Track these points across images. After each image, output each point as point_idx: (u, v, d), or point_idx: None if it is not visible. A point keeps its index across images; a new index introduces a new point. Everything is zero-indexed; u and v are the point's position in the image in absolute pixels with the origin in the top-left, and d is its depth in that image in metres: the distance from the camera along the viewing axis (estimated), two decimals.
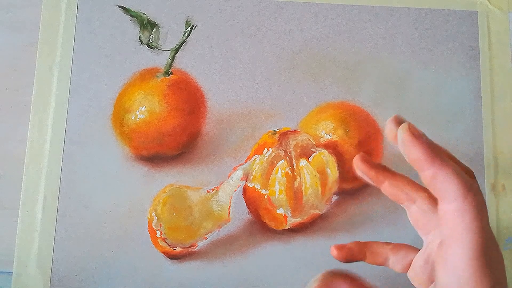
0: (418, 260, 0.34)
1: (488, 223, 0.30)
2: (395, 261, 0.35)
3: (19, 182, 0.47)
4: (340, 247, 0.36)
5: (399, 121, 0.32)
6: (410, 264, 0.34)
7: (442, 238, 0.30)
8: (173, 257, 0.46)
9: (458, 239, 0.29)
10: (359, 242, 0.36)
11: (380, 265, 0.36)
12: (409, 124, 0.31)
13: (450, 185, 0.29)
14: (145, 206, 0.47)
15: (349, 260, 0.36)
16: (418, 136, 0.30)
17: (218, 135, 0.49)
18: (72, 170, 0.48)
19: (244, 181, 0.46)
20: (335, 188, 0.47)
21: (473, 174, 0.33)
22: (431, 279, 0.33)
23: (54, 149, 0.48)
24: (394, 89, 0.51)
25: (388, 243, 0.36)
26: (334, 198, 0.49)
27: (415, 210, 0.34)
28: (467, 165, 0.35)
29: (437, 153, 0.30)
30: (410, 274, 0.34)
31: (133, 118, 0.48)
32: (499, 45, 0.53)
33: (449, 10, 0.53)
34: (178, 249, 0.45)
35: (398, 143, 0.31)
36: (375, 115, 0.50)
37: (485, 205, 0.30)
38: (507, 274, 0.48)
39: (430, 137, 0.30)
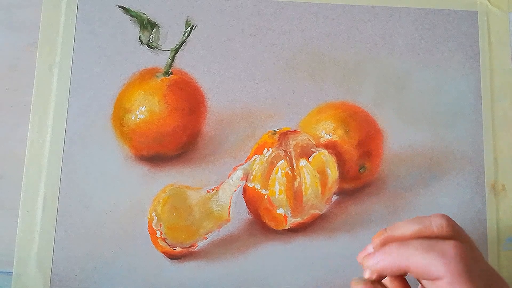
0: None
1: (480, 274, 0.30)
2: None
3: (19, 182, 0.47)
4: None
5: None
6: None
7: None
8: (173, 257, 0.46)
9: None
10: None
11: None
12: (363, 259, 0.33)
13: (428, 266, 0.30)
14: (145, 206, 0.47)
15: None
16: (374, 261, 0.32)
17: (218, 135, 0.49)
18: (72, 170, 0.48)
19: (244, 181, 0.46)
20: (335, 188, 0.47)
21: (449, 222, 0.33)
22: None
23: (54, 149, 0.48)
24: (394, 89, 0.51)
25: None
26: (334, 198, 0.49)
27: None
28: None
29: (395, 252, 0.31)
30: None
31: (133, 118, 0.48)
32: (499, 45, 0.53)
33: (449, 10, 0.53)
34: (178, 249, 0.45)
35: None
36: (375, 115, 0.50)
37: (473, 251, 0.31)
38: (507, 274, 0.48)
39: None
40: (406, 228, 0.33)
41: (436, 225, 0.32)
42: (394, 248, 0.32)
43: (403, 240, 0.32)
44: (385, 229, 0.34)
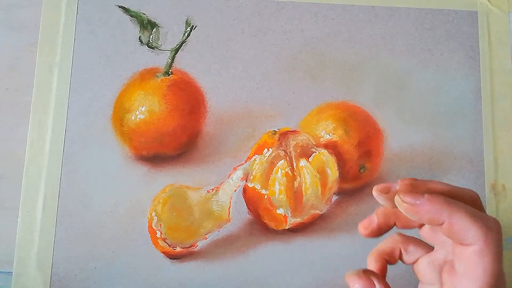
0: (424, 260, 0.35)
1: (501, 261, 0.30)
2: (405, 255, 0.36)
3: (19, 182, 0.47)
4: (366, 226, 0.36)
5: (384, 191, 0.34)
6: (417, 259, 0.35)
7: (454, 269, 0.31)
8: (173, 257, 0.46)
9: (472, 279, 0.30)
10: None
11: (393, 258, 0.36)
12: (404, 193, 0.32)
13: (468, 230, 0.30)
14: (145, 206, 0.47)
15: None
16: (416, 200, 0.31)
17: (218, 135, 0.49)
18: (72, 170, 0.48)
19: (244, 181, 0.46)
20: (335, 188, 0.47)
21: (479, 199, 0.34)
22: (432, 281, 0.34)
23: (54, 149, 0.48)
24: (394, 89, 0.51)
25: (399, 235, 0.36)
26: (334, 198, 0.49)
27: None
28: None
29: (442, 204, 0.31)
30: (415, 268, 0.35)
31: (133, 118, 0.48)
32: (499, 45, 0.53)
33: (449, 10, 0.53)
34: (178, 249, 0.45)
35: (402, 211, 0.32)
36: (375, 115, 0.50)
37: (501, 241, 0.31)
38: (507, 274, 0.48)
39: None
40: (438, 185, 0.33)
41: (469, 196, 0.33)
42: (441, 200, 0.31)
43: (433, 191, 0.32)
44: (415, 179, 0.34)
